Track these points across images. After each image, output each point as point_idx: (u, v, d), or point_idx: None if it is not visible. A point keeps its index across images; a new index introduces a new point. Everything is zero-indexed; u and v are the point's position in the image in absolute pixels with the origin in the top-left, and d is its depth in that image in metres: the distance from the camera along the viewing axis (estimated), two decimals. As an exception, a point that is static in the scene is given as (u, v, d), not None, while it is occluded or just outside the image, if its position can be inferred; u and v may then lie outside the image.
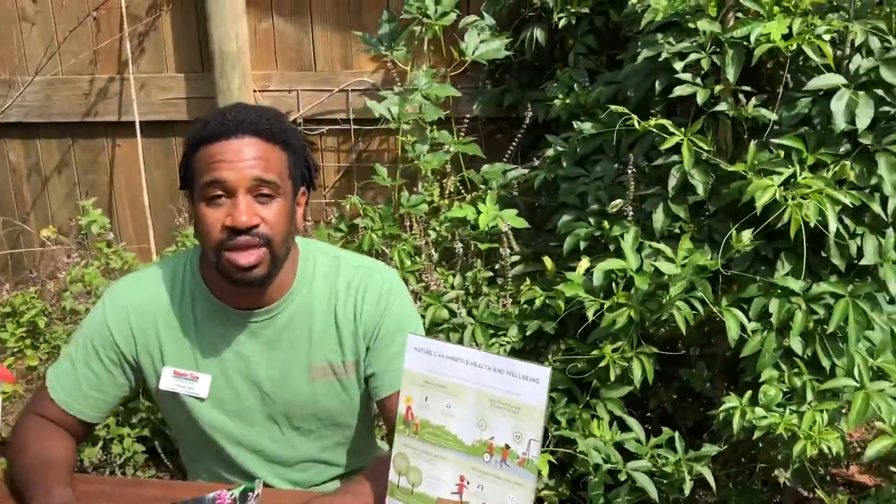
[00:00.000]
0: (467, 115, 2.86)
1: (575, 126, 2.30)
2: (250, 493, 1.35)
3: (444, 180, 2.78)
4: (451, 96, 2.73)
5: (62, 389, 1.50)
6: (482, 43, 2.51)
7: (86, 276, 2.89)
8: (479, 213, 2.32)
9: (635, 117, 1.92)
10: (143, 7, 3.28)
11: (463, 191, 2.71)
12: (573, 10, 2.70)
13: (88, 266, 2.94)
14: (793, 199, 1.68)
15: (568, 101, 2.54)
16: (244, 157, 1.36)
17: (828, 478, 2.06)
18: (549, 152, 2.36)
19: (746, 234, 1.76)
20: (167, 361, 1.51)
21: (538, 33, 2.76)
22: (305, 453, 1.58)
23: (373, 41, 2.67)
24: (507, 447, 1.16)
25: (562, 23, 2.70)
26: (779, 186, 1.71)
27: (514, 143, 2.65)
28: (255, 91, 3.24)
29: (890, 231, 1.84)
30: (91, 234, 3.01)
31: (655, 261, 1.92)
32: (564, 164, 2.28)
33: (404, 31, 2.57)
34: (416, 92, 2.58)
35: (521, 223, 2.34)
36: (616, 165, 2.20)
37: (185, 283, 1.51)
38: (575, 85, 2.57)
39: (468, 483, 1.20)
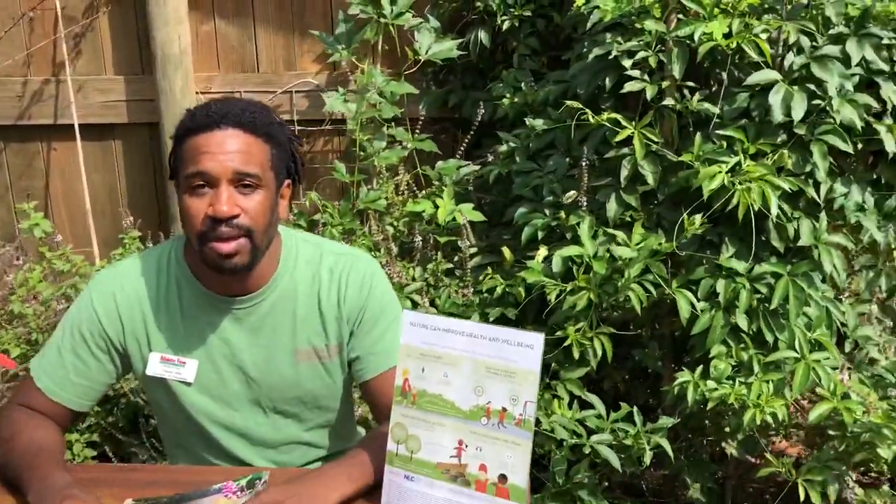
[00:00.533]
0: (422, 115, 2.95)
1: (527, 123, 2.40)
2: (258, 482, 1.38)
3: (396, 178, 2.86)
4: (401, 96, 2.81)
5: (49, 378, 1.51)
6: (434, 43, 2.59)
7: (29, 279, 2.85)
8: (436, 207, 2.40)
9: (589, 112, 2.03)
10: (79, 8, 3.25)
11: (415, 187, 2.79)
12: (516, 14, 2.82)
13: (31, 270, 2.89)
14: (740, 184, 1.82)
15: (516, 99, 2.65)
16: (226, 150, 1.40)
17: (766, 451, 2.21)
18: (503, 148, 2.46)
19: (697, 219, 1.89)
20: (154, 347, 1.54)
21: (482, 35, 2.87)
22: (289, 436, 1.63)
23: (330, 40, 2.72)
24: (504, 410, 1.24)
25: (505, 25, 2.81)
26: (726, 174, 1.85)
27: (466, 141, 2.74)
28: (197, 93, 3.24)
29: (823, 215, 2.00)
30: (32, 239, 2.96)
31: (609, 248, 2.03)
32: (518, 159, 2.39)
33: (362, 31, 2.63)
34: (371, 91, 2.64)
35: (478, 216, 2.43)
36: (567, 160, 2.32)
37: (171, 271, 1.55)
38: (522, 84, 2.68)
39: (466, 446, 1.27)
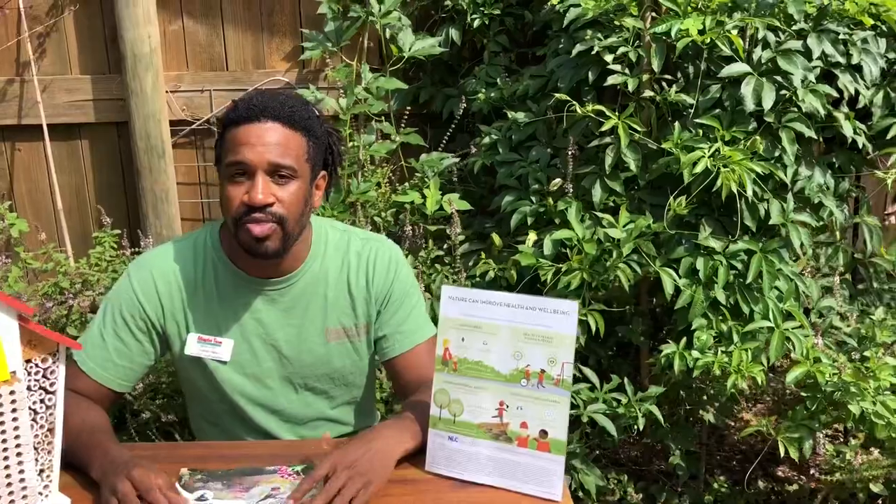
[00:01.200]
0: (393, 110, 3.04)
1: (508, 115, 2.53)
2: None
3: (380, 170, 2.95)
4: (386, 92, 2.90)
5: (93, 361, 1.57)
6: (417, 41, 2.70)
7: (9, 277, 2.84)
8: (423, 197, 2.51)
9: (577, 104, 2.17)
10: (43, 8, 3.23)
11: (396, 180, 2.88)
12: (486, 12, 2.94)
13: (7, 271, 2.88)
14: (724, 167, 1.98)
15: (492, 94, 2.77)
16: (265, 142, 1.49)
17: (744, 416, 2.39)
18: (485, 140, 2.58)
19: (682, 200, 2.05)
20: (192, 328, 1.62)
21: (453, 33, 2.98)
22: (318, 412, 1.72)
23: (319, 38, 2.80)
24: (543, 371, 1.37)
25: (475, 23, 2.93)
26: (708, 158, 2.01)
27: (447, 135, 2.85)
28: (167, 91, 3.27)
29: (790, 196, 2.19)
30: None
31: (595, 231, 2.18)
32: (500, 150, 2.51)
33: (350, 28, 2.72)
34: (360, 87, 2.73)
35: (465, 205, 2.54)
36: (548, 150, 2.45)
37: (207, 255, 1.62)
38: (498, 80, 2.81)
39: (507, 406, 1.39)
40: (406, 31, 2.74)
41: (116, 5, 3.10)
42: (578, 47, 2.25)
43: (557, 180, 2.31)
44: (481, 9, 2.95)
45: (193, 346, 1.62)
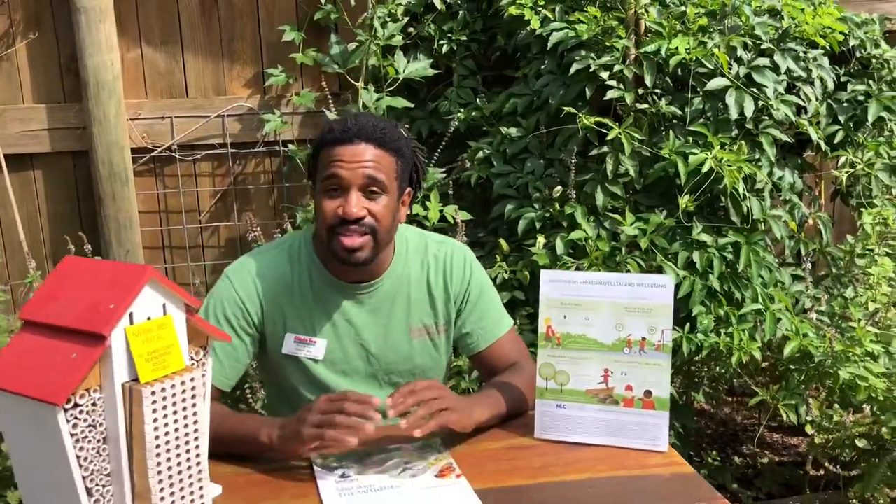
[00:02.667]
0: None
1: (502, 130, 2.72)
2: (434, 442, 1.58)
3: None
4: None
5: None
6: (409, 63, 2.85)
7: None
8: (426, 209, 2.66)
9: (583, 116, 2.39)
10: (-7, 36, 3.19)
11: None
12: (454, 38, 3.14)
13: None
14: (729, 166, 2.25)
15: (473, 113, 2.96)
16: (359, 160, 1.62)
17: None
18: (479, 154, 2.76)
19: (686, 199, 2.30)
20: (289, 328, 1.71)
21: (422, 58, 3.16)
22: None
23: (326, 61, 2.90)
24: (644, 339, 1.55)
25: (444, 49, 3.12)
26: (711, 159, 2.27)
27: (438, 151, 3.00)
28: (128, 119, 3.28)
29: (767, 193, 2.48)
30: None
31: (603, 229, 2.40)
32: (495, 163, 2.70)
33: (356, 51, 2.84)
34: (366, 108, 2.85)
35: (466, 215, 2.71)
36: (541, 161, 2.66)
37: (301, 260, 1.74)
38: (477, 100, 3.00)
39: (612, 373, 1.57)
40: (399, 55, 2.90)
41: (78, 32, 3.11)
42: (575, 66, 2.48)
43: (559, 187, 2.52)
44: (448, 35, 3.14)
45: (290, 345, 1.72)
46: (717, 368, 2.48)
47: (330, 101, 3.10)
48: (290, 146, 3.30)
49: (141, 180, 3.35)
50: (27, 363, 1.21)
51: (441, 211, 2.68)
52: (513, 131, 2.68)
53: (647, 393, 1.55)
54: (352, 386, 1.77)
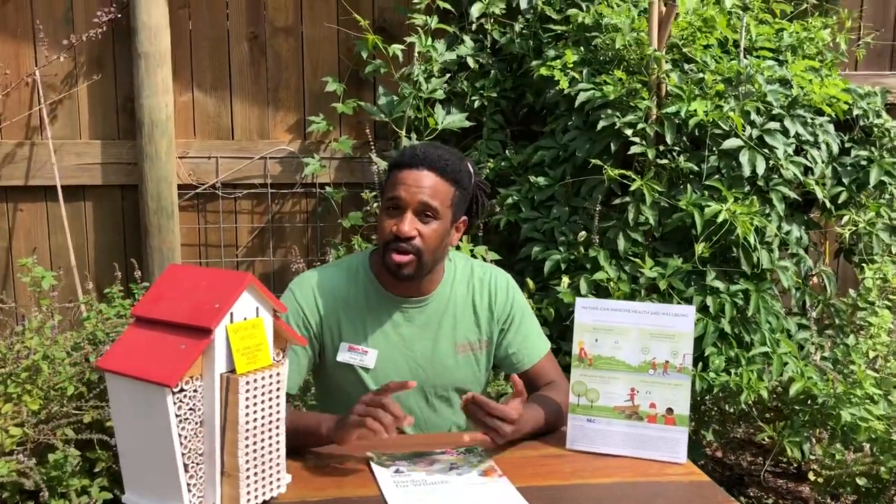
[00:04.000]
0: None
1: (531, 179, 2.95)
2: (476, 450, 1.76)
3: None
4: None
5: None
6: (448, 115, 3.10)
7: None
8: (458, 249, 2.86)
9: (608, 168, 2.62)
10: (59, 77, 3.43)
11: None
12: (485, 95, 3.38)
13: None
14: (744, 216, 2.46)
15: (502, 163, 3.19)
16: (419, 185, 1.81)
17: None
18: (508, 201, 2.98)
19: (701, 246, 2.51)
20: (344, 338, 1.90)
21: (455, 111, 3.40)
22: (442, 417, 2.01)
23: (374, 109, 3.14)
24: (667, 362, 1.74)
25: (475, 104, 3.36)
26: (726, 211, 2.49)
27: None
28: (178, 157, 3.51)
29: (776, 245, 2.69)
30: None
31: (620, 274, 2.60)
32: (523, 209, 2.92)
33: (403, 102, 3.08)
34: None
35: (495, 255, 2.92)
36: (566, 208, 2.88)
37: (359, 277, 1.93)
38: (507, 151, 3.24)
39: (637, 391, 1.75)
40: (438, 107, 3.14)
41: (137, 74, 3.35)
42: (602, 122, 2.71)
43: (583, 233, 2.73)
44: (480, 92, 3.38)
45: (344, 353, 1.90)
46: (727, 407, 2.66)
47: (372, 146, 3.33)
48: (327, 188, 3.53)
49: (184, 215, 3.57)
50: (140, 352, 1.41)
51: (472, 251, 2.89)
52: (541, 180, 2.90)
53: (669, 410, 1.73)
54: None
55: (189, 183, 3.53)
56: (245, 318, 1.45)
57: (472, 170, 1.91)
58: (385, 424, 1.58)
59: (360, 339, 1.90)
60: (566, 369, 1.94)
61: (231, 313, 1.42)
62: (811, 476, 2.76)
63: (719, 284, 2.61)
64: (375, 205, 3.28)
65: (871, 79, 3.71)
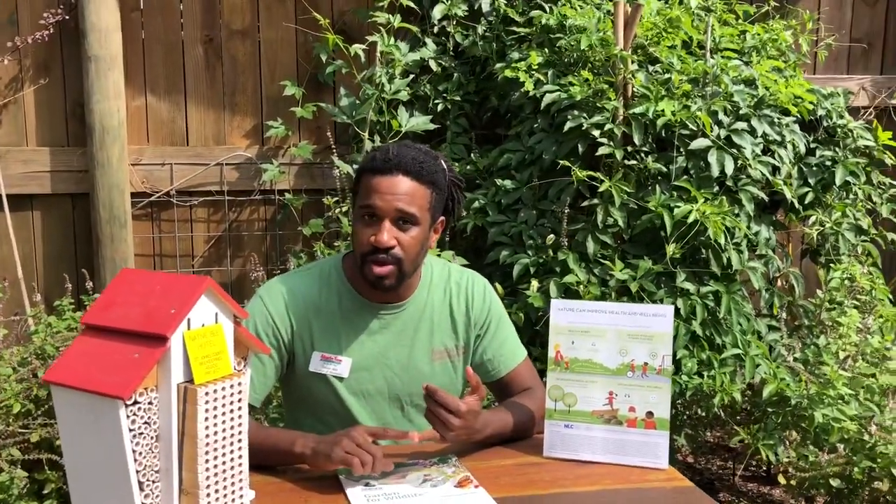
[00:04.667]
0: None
1: (498, 182, 2.89)
2: (450, 459, 1.69)
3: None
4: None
5: None
6: (412, 118, 3.02)
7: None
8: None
9: (577, 170, 2.56)
10: (3, 81, 3.30)
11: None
12: (448, 98, 3.32)
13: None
14: (715, 216, 2.42)
15: (468, 167, 3.13)
16: (394, 192, 1.71)
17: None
18: (475, 205, 2.92)
19: (672, 247, 2.47)
20: (316, 346, 1.80)
21: (417, 115, 3.33)
22: (419, 426, 1.92)
23: (335, 111, 3.06)
24: (646, 364, 1.68)
25: (439, 107, 3.30)
26: (696, 211, 2.45)
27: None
28: (130, 164, 3.39)
29: (744, 246, 2.66)
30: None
31: (589, 277, 2.55)
32: (490, 212, 2.85)
33: (365, 103, 3.00)
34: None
35: (463, 260, 2.85)
36: (534, 211, 2.82)
37: (332, 282, 1.83)
38: (472, 155, 3.18)
39: (616, 395, 1.69)
40: (402, 109, 3.07)
41: (87, 78, 3.23)
42: (569, 124, 2.66)
43: (552, 236, 2.68)
44: (443, 95, 3.33)
45: (317, 362, 1.80)
46: (699, 411, 2.62)
47: (333, 150, 3.25)
48: (287, 195, 3.43)
49: (138, 224, 3.45)
50: (90, 362, 1.30)
51: (439, 255, 2.82)
52: (507, 183, 2.85)
53: (649, 414, 1.67)
54: (375, 405, 1.85)
55: (142, 191, 3.41)
56: (203, 325, 1.36)
57: (445, 166, 1.83)
58: (372, 468, 1.52)
59: (334, 347, 1.81)
60: (539, 374, 1.88)
61: (188, 319, 1.32)
62: (781, 479, 2.73)
63: (690, 286, 2.58)
64: (337, 210, 3.19)
65: (830, 82, 3.73)
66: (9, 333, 2.91)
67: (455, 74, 3.32)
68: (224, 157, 3.47)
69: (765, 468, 3.25)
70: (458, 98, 3.32)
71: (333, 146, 3.29)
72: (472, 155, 3.18)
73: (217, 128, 3.50)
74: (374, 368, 1.84)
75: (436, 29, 3.32)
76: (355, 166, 3.19)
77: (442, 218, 1.86)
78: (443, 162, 1.82)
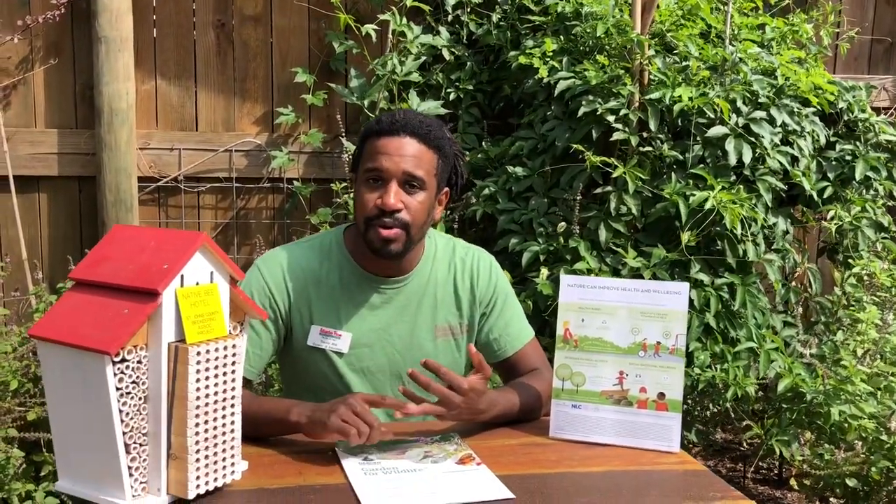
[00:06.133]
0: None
1: (509, 170, 2.83)
2: (452, 438, 1.62)
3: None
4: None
5: None
6: (422, 102, 2.97)
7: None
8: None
9: (590, 155, 2.50)
10: (13, 61, 3.27)
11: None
12: (461, 87, 3.27)
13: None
14: (733, 203, 2.35)
15: (479, 155, 3.08)
16: (401, 153, 1.66)
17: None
18: (484, 192, 2.86)
19: (687, 235, 2.40)
20: (315, 320, 1.74)
21: (430, 101, 3.28)
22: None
23: (345, 92, 3.01)
24: (659, 343, 1.61)
25: (451, 97, 3.25)
26: (713, 198, 2.38)
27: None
28: (138, 148, 3.35)
29: (761, 238, 2.59)
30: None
31: (602, 266, 2.48)
32: (500, 200, 2.79)
33: (376, 84, 2.95)
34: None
35: (470, 246, 2.79)
36: (545, 200, 2.76)
37: (332, 255, 1.77)
38: (483, 143, 3.12)
39: (627, 375, 1.62)
40: (412, 94, 3.02)
41: (97, 59, 3.20)
42: (583, 108, 2.60)
43: (563, 223, 2.61)
44: (456, 84, 3.27)
45: (315, 336, 1.73)
46: (711, 406, 2.54)
47: (343, 133, 3.20)
48: (295, 183, 3.39)
49: (144, 209, 3.40)
50: (77, 318, 1.25)
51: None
52: (519, 170, 2.79)
53: (661, 395, 1.60)
54: (375, 381, 1.79)
55: (150, 175, 3.37)
56: (198, 283, 1.30)
57: (450, 136, 1.77)
58: (368, 438, 1.45)
59: (333, 321, 1.75)
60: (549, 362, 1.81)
61: (181, 276, 1.27)
62: (793, 483, 2.65)
63: (704, 277, 2.51)
64: (346, 197, 3.14)
65: (850, 81, 3.66)
66: (11, 313, 2.87)
67: (468, 63, 3.27)
68: (233, 143, 3.42)
69: (776, 472, 3.16)
70: (470, 87, 3.27)
71: (343, 131, 3.24)
72: (483, 144, 3.12)
73: (227, 114, 3.46)
74: (375, 344, 1.78)
75: (450, 17, 3.27)
76: None
77: (446, 189, 1.80)
78: (447, 131, 1.77)
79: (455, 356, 1.85)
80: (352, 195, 3.18)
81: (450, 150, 1.75)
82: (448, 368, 1.59)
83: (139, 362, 1.25)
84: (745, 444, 3.19)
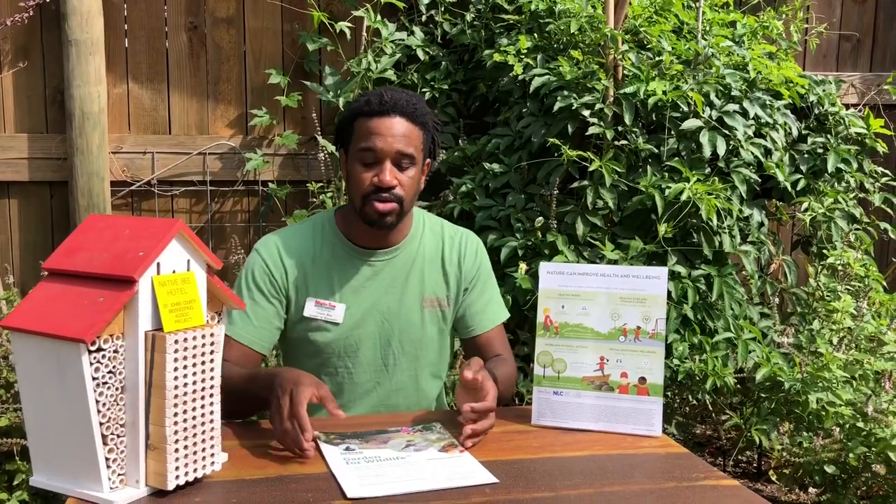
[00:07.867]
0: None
1: (486, 166, 2.83)
2: (434, 426, 1.62)
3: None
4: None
5: (237, 327, 1.76)
6: (397, 100, 2.96)
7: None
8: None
9: (566, 149, 2.51)
10: (-20, 65, 3.23)
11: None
12: (436, 87, 3.27)
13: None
14: (708, 194, 2.37)
15: (456, 153, 3.07)
16: (393, 133, 1.74)
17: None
18: (462, 189, 2.86)
19: (664, 227, 2.41)
20: (311, 293, 1.82)
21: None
22: (409, 377, 1.89)
23: (321, 90, 2.99)
24: (639, 328, 1.62)
25: (426, 96, 3.24)
26: (689, 190, 2.39)
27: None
28: (110, 152, 3.32)
29: (736, 229, 2.61)
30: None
31: (580, 260, 2.49)
32: (478, 197, 2.79)
33: (351, 81, 2.94)
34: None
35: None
36: (522, 196, 2.76)
37: (325, 233, 1.86)
38: (460, 142, 3.12)
39: (607, 360, 1.62)
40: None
41: (67, 62, 3.16)
42: (559, 104, 2.61)
43: (540, 219, 2.62)
44: (431, 84, 3.27)
45: (311, 308, 1.82)
46: (689, 398, 2.55)
47: (318, 131, 3.19)
48: (270, 185, 3.37)
49: (117, 213, 3.36)
50: (52, 307, 1.23)
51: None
52: (495, 167, 2.79)
53: (642, 380, 1.60)
54: (367, 351, 1.84)
55: (123, 179, 3.33)
56: (174, 271, 1.29)
57: (429, 109, 1.85)
58: (298, 448, 1.43)
59: (328, 293, 1.83)
60: (528, 361, 1.81)
61: (158, 263, 1.25)
62: (772, 474, 2.67)
63: (681, 269, 2.52)
64: (322, 197, 3.12)
65: (820, 76, 3.70)
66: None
67: (443, 63, 3.27)
68: (207, 146, 3.40)
69: (755, 465, 3.18)
70: (445, 87, 3.27)
71: (319, 131, 3.23)
72: (459, 142, 3.12)
73: (200, 116, 3.43)
74: (367, 314, 1.84)
75: (423, 17, 3.27)
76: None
77: (428, 160, 1.88)
78: (425, 103, 1.85)
79: (441, 327, 1.92)
80: (328, 197, 3.17)
81: (431, 124, 1.84)
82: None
83: (115, 351, 1.23)
84: (723, 439, 3.21)
